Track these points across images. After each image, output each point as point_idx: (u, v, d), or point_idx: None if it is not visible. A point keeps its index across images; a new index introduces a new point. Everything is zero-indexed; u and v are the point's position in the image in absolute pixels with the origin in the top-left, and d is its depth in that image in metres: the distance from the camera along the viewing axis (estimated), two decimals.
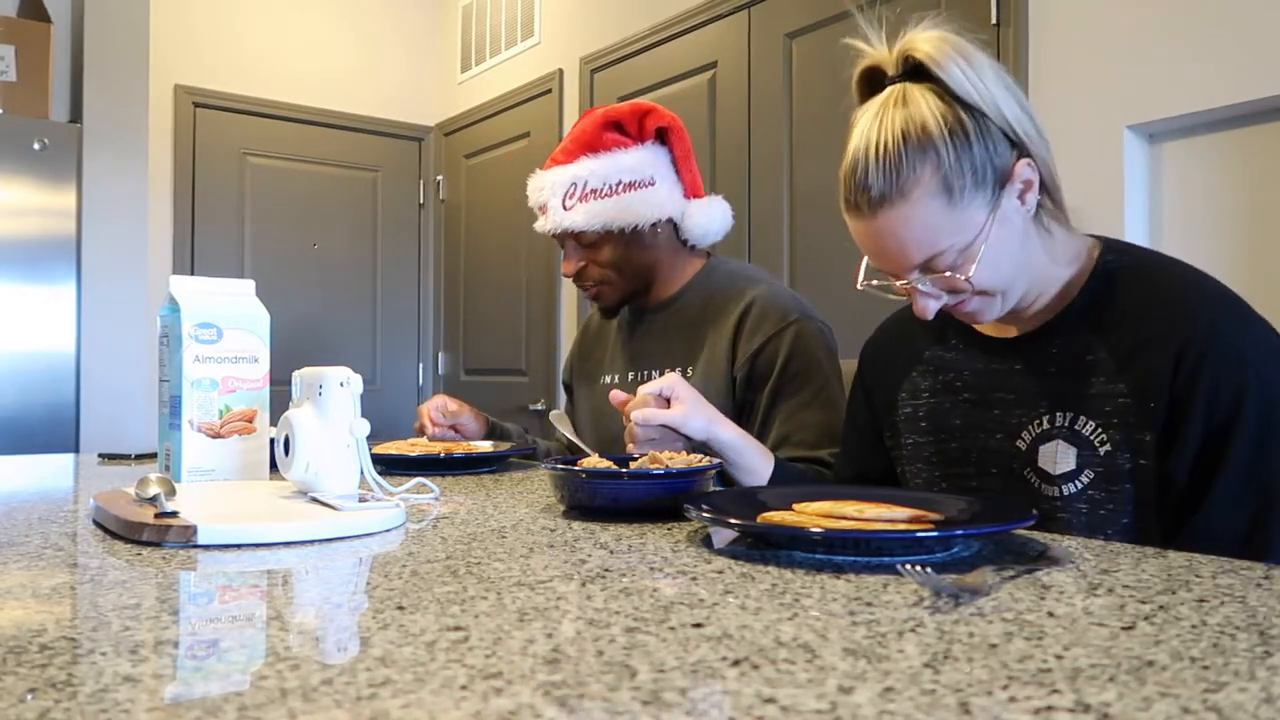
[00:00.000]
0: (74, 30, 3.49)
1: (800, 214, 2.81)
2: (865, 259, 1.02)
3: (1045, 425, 1.00)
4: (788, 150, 2.84)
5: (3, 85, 3.22)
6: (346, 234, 4.33)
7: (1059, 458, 0.99)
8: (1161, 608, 0.59)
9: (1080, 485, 0.97)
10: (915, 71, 0.96)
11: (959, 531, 0.77)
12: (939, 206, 0.92)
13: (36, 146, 3.20)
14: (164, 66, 3.85)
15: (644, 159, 1.51)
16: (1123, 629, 0.54)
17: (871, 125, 0.95)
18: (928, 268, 0.96)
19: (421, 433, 1.62)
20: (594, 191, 1.49)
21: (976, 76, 0.94)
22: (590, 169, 1.49)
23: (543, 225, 1.55)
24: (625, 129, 1.53)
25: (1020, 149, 0.96)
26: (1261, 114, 1.92)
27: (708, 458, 1.10)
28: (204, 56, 3.98)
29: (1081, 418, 0.98)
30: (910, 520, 0.78)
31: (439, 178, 4.51)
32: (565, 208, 1.50)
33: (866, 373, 1.24)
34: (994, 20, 2.31)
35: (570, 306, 3.69)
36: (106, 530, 0.87)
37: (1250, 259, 1.94)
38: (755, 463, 1.23)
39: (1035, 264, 1.00)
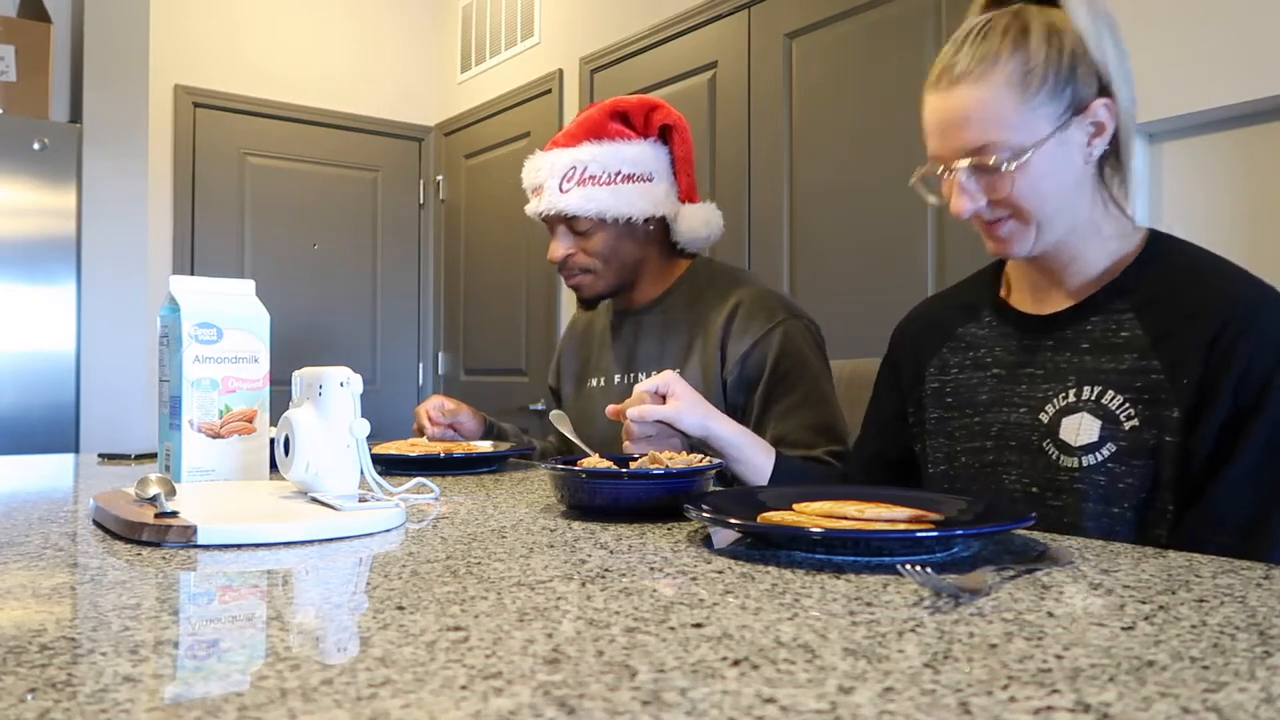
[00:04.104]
0: (74, 30, 3.49)
1: (800, 214, 2.81)
2: (920, 168, 1.06)
3: (1071, 398, 1.01)
4: (788, 150, 2.84)
5: (3, 85, 3.22)
6: (346, 234, 4.33)
7: (1082, 429, 0.99)
8: (1161, 608, 0.59)
9: (1101, 457, 0.97)
10: None
11: (959, 531, 0.77)
12: (1012, 98, 0.96)
13: (36, 146, 3.21)
14: (164, 66, 3.85)
15: (646, 154, 1.51)
16: (1123, 629, 0.54)
17: (977, 18, 1.01)
18: (979, 158, 0.98)
19: (420, 433, 1.61)
20: (592, 178, 1.48)
21: (1093, 17, 0.98)
22: (592, 155, 1.48)
23: (535, 207, 1.53)
24: (631, 121, 1.52)
25: (1106, 95, 0.99)
26: (1261, 114, 1.92)
27: (708, 457, 1.10)
28: (204, 56, 3.98)
29: (1110, 391, 0.98)
30: (910, 520, 0.78)
31: (439, 178, 4.51)
32: (562, 190, 1.49)
33: (896, 352, 1.25)
34: None
35: (570, 306, 3.69)
36: (106, 530, 0.87)
37: (1249, 259, 1.93)
38: (756, 458, 1.23)
39: (1080, 214, 1.02)
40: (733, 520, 0.79)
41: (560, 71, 3.75)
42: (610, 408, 1.24)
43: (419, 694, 0.43)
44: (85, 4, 3.42)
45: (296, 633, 0.55)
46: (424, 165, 4.55)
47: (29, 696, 0.43)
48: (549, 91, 3.80)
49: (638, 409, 1.17)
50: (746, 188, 2.96)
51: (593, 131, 1.50)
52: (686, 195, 1.56)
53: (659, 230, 1.55)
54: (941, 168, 1.03)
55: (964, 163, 0.99)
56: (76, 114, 3.45)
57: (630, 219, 1.50)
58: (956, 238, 2.40)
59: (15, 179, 3.18)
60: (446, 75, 4.49)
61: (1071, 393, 1.01)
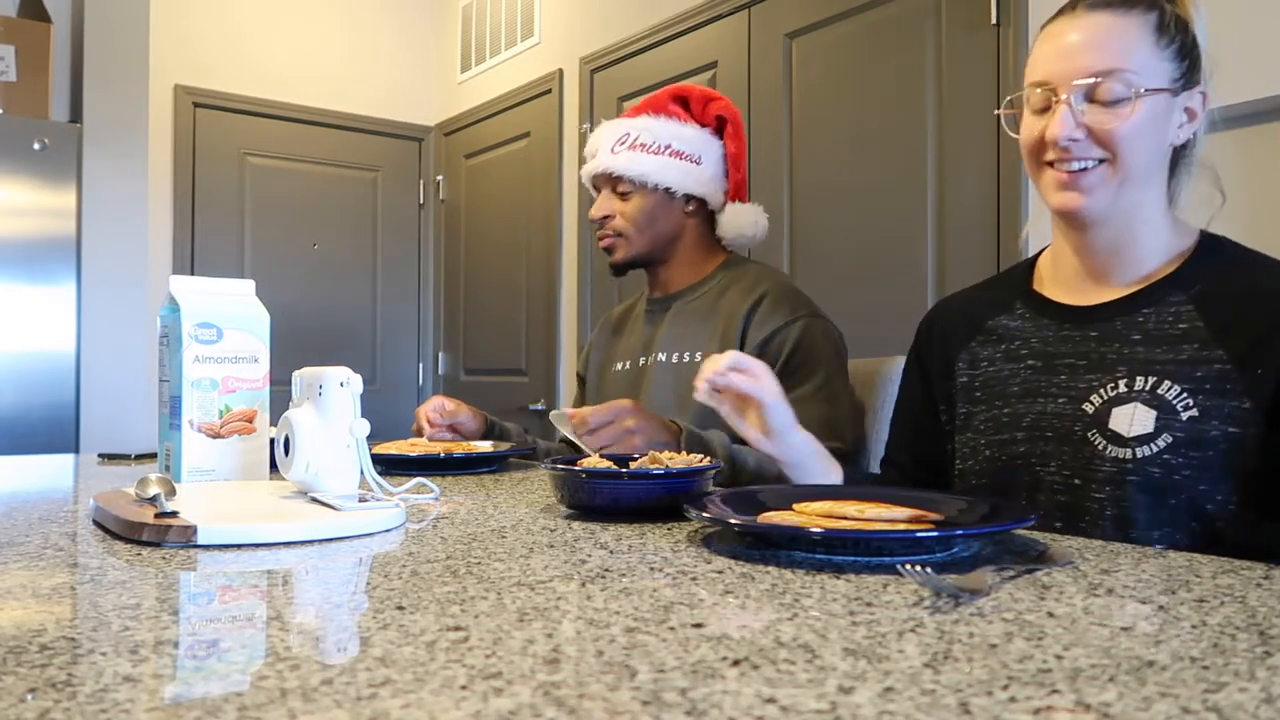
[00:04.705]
0: (74, 30, 3.49)
1: (800, 214, 2.81)
2: (1006, 100, 1.08)
3: (1122, 389, 0.99)
4: (788, 150, 2.84)
5: (3, 85, 3.22)
6: (346, 234, 4.33)
7: (1135, 420, 0.97)
8: (1161, 608, 0.59)
9: (1156, 448, 0.95)
10: None
11: (959, 531, 0.77)
12: (1148, 38, 0.98)
13: (36, 146, 3.20)
14: (164, 66, 3.85)
15: (697, 138, 1.58)
16: (1123, 629, 0.54)
17: None
18: (1101, 81, 0.98)
19: (419, 434, 1.62)
20: (643, 145, 1.56)
21: (1204, 31, 1.02)
22: (645, 125, 1.57)
23: (586, 168, 1.63)
24: (689, 106, 1.60)
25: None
26: (1261, 114, 1.92)
27: (708, 458, 1.10)
28: (204, 56, 3.98)
29: (1166, 382, 0.96)
30: (910, 520, 0.78)
31: (439, 178, 4.51)
32: (612, 152, 1.57)
33: (923, 345, 1.23)
34: (994, 20, 2.31)
35: (570, 306, 3.69)
36: (106, 530, 0.87)
37: None
38: (816, 466, 1.15)
39: (1151, 190, 1.02)
40: (733, 520, 0.79)
41: (560, 71, 3.75)
42: (575, 412, 1.25)
43: (419, 694, 0.43)
44: (85, 4, 3.41)
45: (296, 633, 0.55)
46: (424, 165, 4.55)
47: (29, 696, 0.43)
48: (549, 91, 3.80)
49: (743, 377, 1.07)
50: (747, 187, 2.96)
51: (652, 106, 1.59)
52: (735, 193, 1.61)
53: (699, 213, 1.60)
54: (1045, 93, 1.02)
55: (1081, 83, 0.98)
56: (76, 114, 3.45)
57: (670, 190, 1.56)
58: (956, 238, 2.40)
59: (15, 179, 3.18)
60: (446, 75, 4.49)
61: (1122, 383, 0.99)
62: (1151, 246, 1.04)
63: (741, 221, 1.59)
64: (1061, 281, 1.10)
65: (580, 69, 3.63)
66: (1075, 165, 1.00)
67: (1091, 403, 1.01)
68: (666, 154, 1.55)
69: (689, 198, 1.58)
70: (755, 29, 2.96)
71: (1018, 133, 1.07)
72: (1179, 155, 1.04)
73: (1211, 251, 1.03)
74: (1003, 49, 2.29)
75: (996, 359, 1.12)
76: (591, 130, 3.53)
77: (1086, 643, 0.51)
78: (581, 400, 1.75)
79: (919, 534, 0.73)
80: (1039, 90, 1.02)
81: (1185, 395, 0.95)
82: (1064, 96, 0.99)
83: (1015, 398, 1.08)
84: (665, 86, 1.67)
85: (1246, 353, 0.94)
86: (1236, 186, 1.97)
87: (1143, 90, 0.97)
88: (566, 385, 3.72)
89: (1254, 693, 0.43)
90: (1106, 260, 1.05)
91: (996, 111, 1.12)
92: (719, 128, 1.60)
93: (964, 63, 2.40)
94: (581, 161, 1.70)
